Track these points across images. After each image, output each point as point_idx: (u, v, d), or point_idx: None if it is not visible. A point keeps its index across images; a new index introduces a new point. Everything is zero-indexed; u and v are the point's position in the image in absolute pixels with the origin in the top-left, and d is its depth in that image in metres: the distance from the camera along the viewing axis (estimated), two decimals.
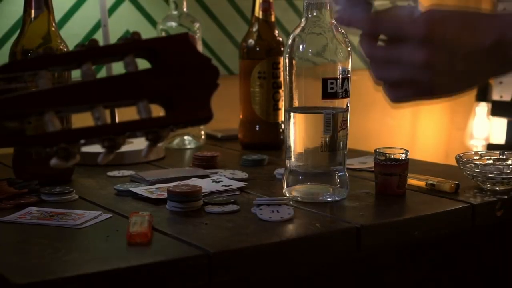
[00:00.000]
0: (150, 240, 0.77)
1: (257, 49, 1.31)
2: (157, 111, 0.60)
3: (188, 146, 1.35)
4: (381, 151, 0.98)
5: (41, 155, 0.56)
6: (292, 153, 0.95)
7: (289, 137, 0.95)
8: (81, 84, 0.57)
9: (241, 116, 1.35)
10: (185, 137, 1.35)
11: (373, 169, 1.12)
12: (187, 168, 1.13)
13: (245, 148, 1.33)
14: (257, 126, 1.33)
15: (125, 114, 0.61)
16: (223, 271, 0.74)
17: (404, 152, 0.98)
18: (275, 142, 1.33)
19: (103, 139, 0.58)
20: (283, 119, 1.34)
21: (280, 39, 1.33)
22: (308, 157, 0.94)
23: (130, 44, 0.59)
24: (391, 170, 0.96)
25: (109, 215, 0.87)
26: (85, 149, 1.18)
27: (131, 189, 0.97)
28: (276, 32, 1.33)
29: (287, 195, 0.95)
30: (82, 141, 0.57)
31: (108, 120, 0.58)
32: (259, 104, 1.32)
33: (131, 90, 0.58)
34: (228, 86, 1.67)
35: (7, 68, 0.56)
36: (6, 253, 0.74)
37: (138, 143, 1.26)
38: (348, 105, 0.94)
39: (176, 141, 1.35)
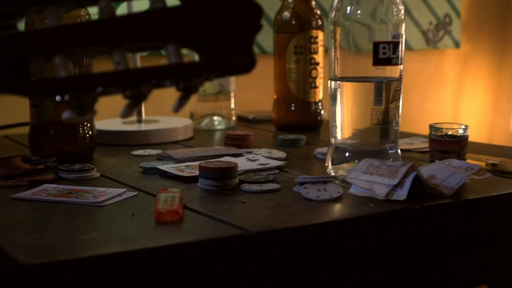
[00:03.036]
0: (181, 218, 0.67)
1: (293, 22, 1.21)
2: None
3: (218, 127, 1.25)
4: (438, 126, 0.87)
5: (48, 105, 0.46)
6: (338, 127, 0.85)
7: (334, 111, 0.85)
8: (98, 22, 0.48)
9: (275, 96, 1.25)
10: (215, 118, 1.26)
11: (422, 150, 1.02)
12: (218, 147, 1.03)
13: (279, 129, 1.23)
14: (293, 105, 1.22)
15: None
16: (266, 253, 0.64)
17: (463, 127, 0.87)
18: (312, 122, 1.23)
19: (125, 86, 0.48)
20: (320, 98, 1.24)
21: (318, 11, 1.22)
22: (356, 132, 0.84)
23: None
24: (449, 147, 0.86)
25: (135, 193, 0.78)
26: (107, 127, 1.09)
27: (158, 166, 0.88)
28: (313, 3, 1.23)
29: (332, 174, 0.85)
30: (100, 89, 0.47)
31: (131, 65, 0.48)
32: (295, 82, 1.21)
33: (158, 30, 0.49)
34: (260, 66, 1.56)
35: (10, 1, 0.46)
36: (18, 232, 0.65)
37: (165, 122, 1.16)
38: (402, 73, 0.84)
39: (205, 121, 1.25)
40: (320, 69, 1.22)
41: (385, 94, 0.82)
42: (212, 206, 0.73)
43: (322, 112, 1.24)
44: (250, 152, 0.98)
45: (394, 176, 0.74)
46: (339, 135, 0.85)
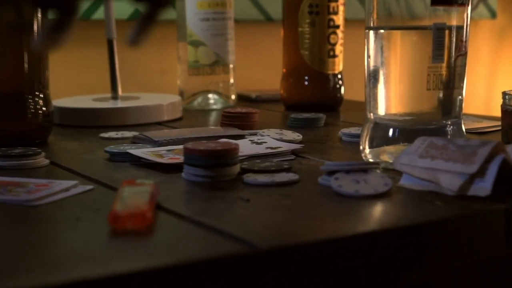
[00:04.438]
0: (150, 225, 0.43)
1: None
2: None
3: (214, 107, 1.01)
4: None
5: None
6: (379, 95, 0.61)
7: (374, 73, 0.61)
8: None
9: (284, 70, 1.01)
10: (210, 95, 1.01)
11: (484, 129, 0.78)
12: (212, 127, 0.79)
13: (289, 109, 0.99)
14: (306, 79, 0.98)
15: None
16: (281, 280, 0.40)
17: None
18: (330, 100, 0.99)
19: None
20: (340, 70, 0.99)
21: None
22: (405, 102, 0.60)
23: None
24: None
25: (90, 187, 0.54)
26: (72, 104, 0.85)
27: (129, 151, 0.64)
28: None
29: (371, 160, 0.61)
30: None
31: None
32: (310, 49, 0.97)
33: None
34: (265, 36, 1.34)
35: None
36: None
37: (147, 99, 0.92)
38: (469, 18, 0.60)
39: (198, 100, 1.01)
40: (341, 34, 0.98)
41: (448, 46, 0.58)
42: (200, 206, 0.50)
43: (343, 88, 1.00)
44: (255, 134, 0.74)
45: (471, 160, 0.50)
46: (381, 107, 0.61)
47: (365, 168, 0.54)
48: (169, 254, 0.39)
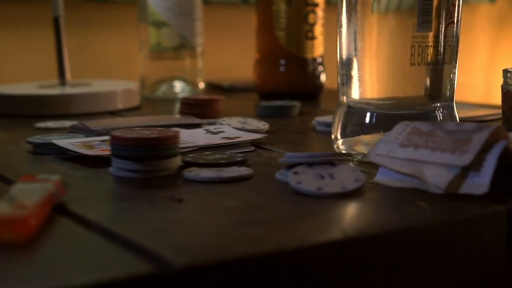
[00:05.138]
0: (34, 234, 0.32)
1: None
2: None
3: (180, 96, 0.90)
4: None
5: None
6: (353, 73, 0.50)
7: (347, 46, 0.50)
8: None
9: (257, 55, 0.90)
10: (175, 83, 0.91)
11: (483, 118, 0.68)
12: (166, 116, 0.69)
13: (264, 98, 0.88)
14: (282, 64, 0.88)
15: None
16: None
17: None
18: (308, 88, 0.88)
19: None
20: (321, 53, 0.89)
21: None
22: (384, 81, 0.50)
23: None
24: None
25: None
26: (10, 90, 0.75)
27: (54, 141, 0.53)
28: None
29: (344, 151, 0.50)
30: None
31: None
32: (286, 30, 0.86)
33: None
34: (239, 19, 1.20)
35: None
36: None
37: (99, 85, 0.81)
38: None
39: (162, 88, 0.90)
40: (321, 13, 0.87)
41: (436, 11, 0.48)
42: (117, 209, 0.39)
43: (323, 74, 0.89)
44: (214, 123, 0.63)
45: (464, 149, 0.40)
46: (354, 88, 0.50)
47: (332, 160, 0.43)
48: (46, 278, 0.28)
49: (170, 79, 0.90)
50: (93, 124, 0.60)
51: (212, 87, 0.99)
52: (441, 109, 0.49)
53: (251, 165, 0.48)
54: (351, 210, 0.38)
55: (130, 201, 0.40)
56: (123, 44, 1.03)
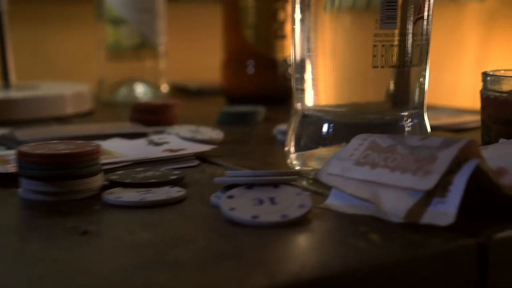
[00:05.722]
0: None
1: None
2: None
3: (143, 100, 0.83)
4: (500, 74, 0.46)
5: None
6: (306, 76, 0.43)
7: (299, 44, 0.44)
8: None
9: (224, 55, 0.83)
10: (135, 85, 0.84)
11: (461, 126, 0.62)
12: (110, 124, 0.62)
13: (232, 102, 0.81)
14: (250, 65, 0.81)
15: None
16: None
17: None
18: (279, 90, 0.81)
19: None
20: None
21: None
22: (343, 85, 0.43)
23: None
24: None
25: None
26: None
27: None
28: None
29: (297, 167, 0.44)
30: None
31: None
32: (254, 28, 0.80)
33: None
34: (209, 18, 1.13)
35: None
36: None
37: (48, 88, 0.75)
38: None
39: (122, 91, 0.83)
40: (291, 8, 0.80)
41: (402, 6, 0.41)
42: (17, 241, 0.32)
43: None
44: (162, 132, 0.57)
45: (427, 170, 0.33)
46: (309, 93, 0.44)
47: (275, 181, 0.37)
48: None
49: (130, 81, 0.83)
50: (22, 133, 0.54)
51: (178, 90, 0.92)
52: (409, 118, 0.43)
53: (188, 184, 0.41)
54: (287, 246, 0.31)
55: (21, 234, 0.33)
56: (82, 43, 0.96)
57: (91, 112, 0.74)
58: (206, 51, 1.02)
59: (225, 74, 0.83)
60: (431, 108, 0.76)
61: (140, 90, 0.84)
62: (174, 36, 0.94)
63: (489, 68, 1.35)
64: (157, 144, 0.51)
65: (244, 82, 0.81)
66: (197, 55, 1.04)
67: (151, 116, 0.62)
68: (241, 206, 0.35)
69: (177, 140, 0.52)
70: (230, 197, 0.36)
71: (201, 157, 0.49)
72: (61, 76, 0.92)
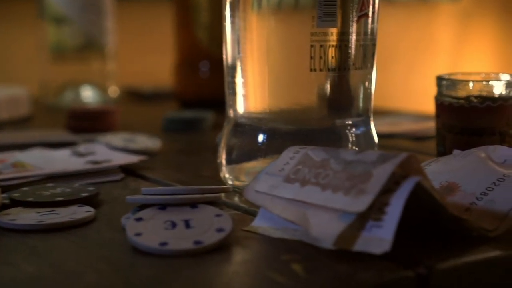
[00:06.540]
0: None
1: None
2: None
3: (90, 104, 0.78)
4: (455, 78, 0.42)
5: None
6: (237, 80, 0.39)
7: (230, 44, 0.39)
8: None
9: (176, 58, 0.78)
10: (83, 89, 0.79)
11: (417, 134, 0.57)
12: (41, 132, 0.57)
13: (185, 107, 0.77)
14: (203, 67, 0.76)
15: None
16: None
17: (507, 79, 0.42)
18: None
19: None
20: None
21: None
22: (277, 91, 0.38)
23: None
24: (483, 120, 0.40)
25: None
26: None
27: None
28: None
29: (230, 182, 0.39)
30: None
31: None
32: (208, 28, 0.75)
33: None
34: (157, 17, 1.07)
35: None
36: None
37: None
38: None
39: (68, 95, 0.78)
40: None
41: (342, 3, 0.36)
42: None
43: None
44: (92, 141, 0.52)
45: (361, 189, 0.28)
46: (240, 99, 0.39)
47: (194, 200, 0.32)
48: None
49: (76, 84, 0.78)
50: None
51: (130, 94, 0.87)
52: (353, 127, 0.38)
53: (102, 202, 0.37)
54: (194, 280, 0.26)
55: None
56: (24, 43, 0.90)
57: (28, 117, 0.69)
58: (160, 53, 0.97)
59: (177, 77, 0.78)
60: (394, 114, 0.72)
61: (87, 94, 0.79)
62: (125, 37, 0.89)
63: (464, 68, 1.30)
64: (81, 155, 0.46)
65: (197, 85, 0.76)
66: (151, 57, 0.99)
67: (88, 123, 0.58)
68: (150, 231, 0.30)
69: (104, 150, 0.47)
70: (139, 219, 0.31)
71: (129, 170, 0.44)
72: (3, 78, 0.87)
